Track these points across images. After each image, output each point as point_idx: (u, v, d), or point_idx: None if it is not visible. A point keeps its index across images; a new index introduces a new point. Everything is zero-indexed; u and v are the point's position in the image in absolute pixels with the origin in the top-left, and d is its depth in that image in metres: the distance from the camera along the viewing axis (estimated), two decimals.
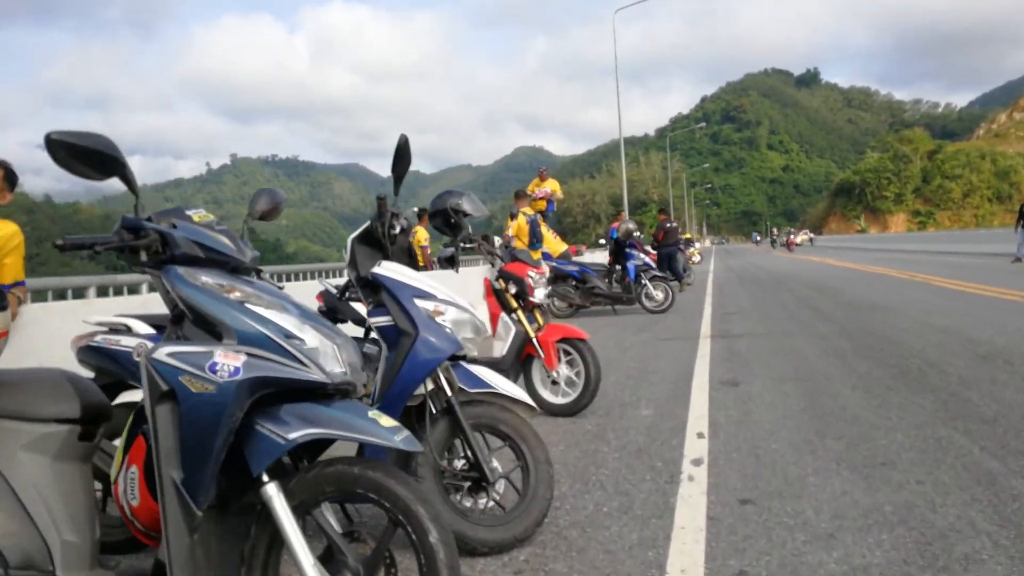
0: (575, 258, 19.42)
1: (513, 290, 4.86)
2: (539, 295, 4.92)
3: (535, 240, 10.83)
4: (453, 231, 4.65)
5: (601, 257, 16.61)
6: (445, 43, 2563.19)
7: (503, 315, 4.88)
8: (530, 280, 4.87)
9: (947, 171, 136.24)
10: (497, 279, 4.95)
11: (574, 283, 12.20)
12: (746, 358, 6.81)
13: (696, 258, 33.86)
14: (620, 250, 12.64)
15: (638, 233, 19.22)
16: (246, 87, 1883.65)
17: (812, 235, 76.10)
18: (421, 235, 11.00)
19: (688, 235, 42.94)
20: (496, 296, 4.93)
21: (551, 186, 16.10)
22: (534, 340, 4.84)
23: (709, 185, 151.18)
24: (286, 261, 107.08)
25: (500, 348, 4.84)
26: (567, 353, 4.96)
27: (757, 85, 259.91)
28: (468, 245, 5.07)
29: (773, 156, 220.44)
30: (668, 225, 17.90)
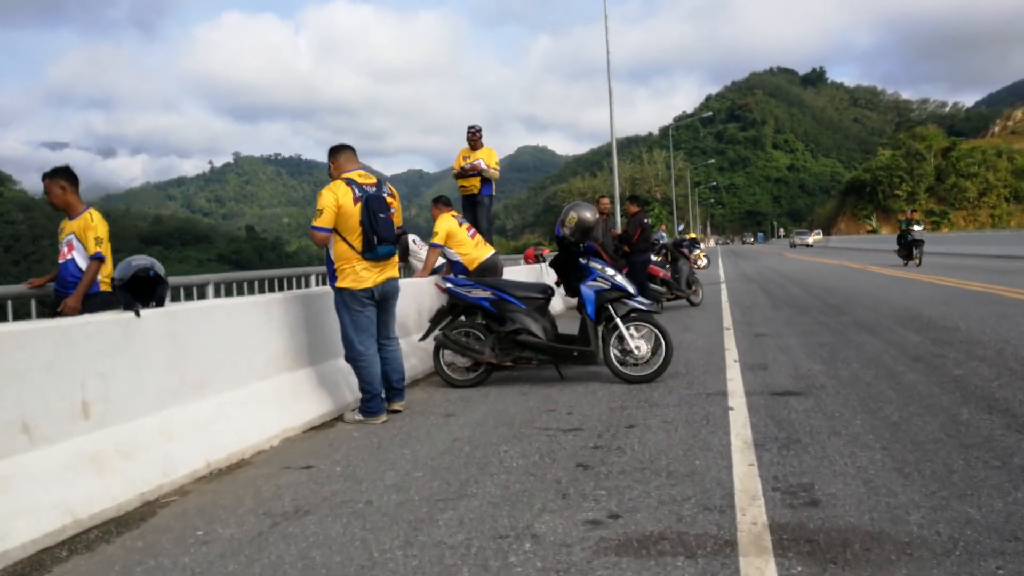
0: (517, 269, 13.25)
1: None
2: None
3: (377, 235, 5.06)
4: None
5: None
6: (448, 43, 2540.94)
7: None
8: None
9: (962, 169, 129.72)
10: None
11: (485, 321, 6.48)
12: None
13: (702, 262, 28.14)
14: (571, 260, 6.57)
15: (622, 231, 13.13)
16: (249, 87, 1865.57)
17: (814, 235, 68.15)
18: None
19: (693, 235, 37.37)
20: None
21: (485, 157, 10.22)
22: None
23: (714, 184, 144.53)
24: (286, 260, 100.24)
25: None
26: None
27: (762, 84, 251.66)
28: None
29: (778, 155, 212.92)
30: (646, 221, 11.97)
